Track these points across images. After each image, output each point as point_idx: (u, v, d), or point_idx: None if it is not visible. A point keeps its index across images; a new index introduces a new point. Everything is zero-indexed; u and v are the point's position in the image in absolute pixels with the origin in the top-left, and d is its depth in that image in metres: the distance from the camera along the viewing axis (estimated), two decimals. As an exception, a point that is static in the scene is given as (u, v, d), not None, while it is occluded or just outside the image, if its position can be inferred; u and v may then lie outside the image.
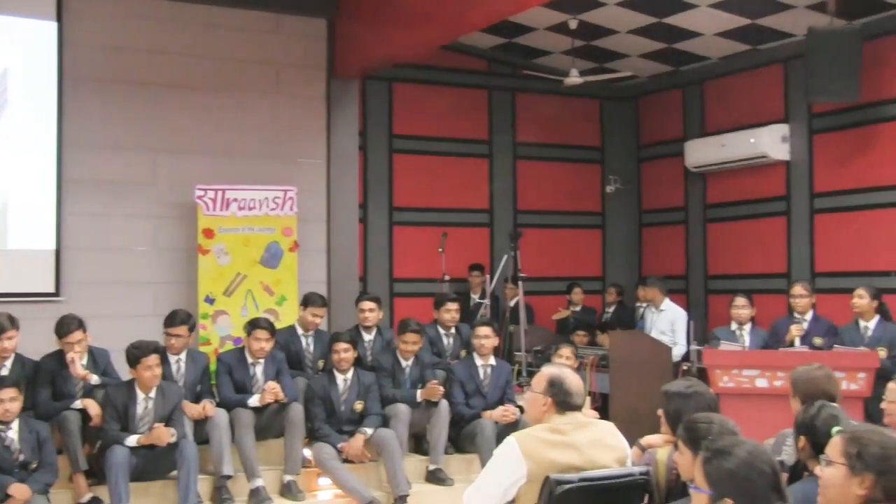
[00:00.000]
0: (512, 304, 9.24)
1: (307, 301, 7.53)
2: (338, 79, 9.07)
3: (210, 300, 8.12)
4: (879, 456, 2.72)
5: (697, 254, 11.26)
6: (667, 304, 9.01)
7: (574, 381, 4.04)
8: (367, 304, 7.71)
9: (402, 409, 6.99)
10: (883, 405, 4.87)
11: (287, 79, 8.94)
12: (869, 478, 2.71)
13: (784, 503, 2.68)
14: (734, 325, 8.10)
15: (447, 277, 10.03)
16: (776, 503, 2.65)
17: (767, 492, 2.67)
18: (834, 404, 3.97)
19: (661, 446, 4.39)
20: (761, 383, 7.22)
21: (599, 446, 3.95)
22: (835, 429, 3.59)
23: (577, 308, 10.84)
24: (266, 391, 6.65)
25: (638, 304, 10.56)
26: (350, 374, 6.98)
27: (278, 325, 7.78)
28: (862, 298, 7.55)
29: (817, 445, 3.70)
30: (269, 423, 6.77)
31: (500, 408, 7.23)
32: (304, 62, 9.02)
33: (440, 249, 10.04)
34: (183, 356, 6.72)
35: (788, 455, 4.28)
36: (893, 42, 9.03)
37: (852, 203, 9.43)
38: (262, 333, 6.79)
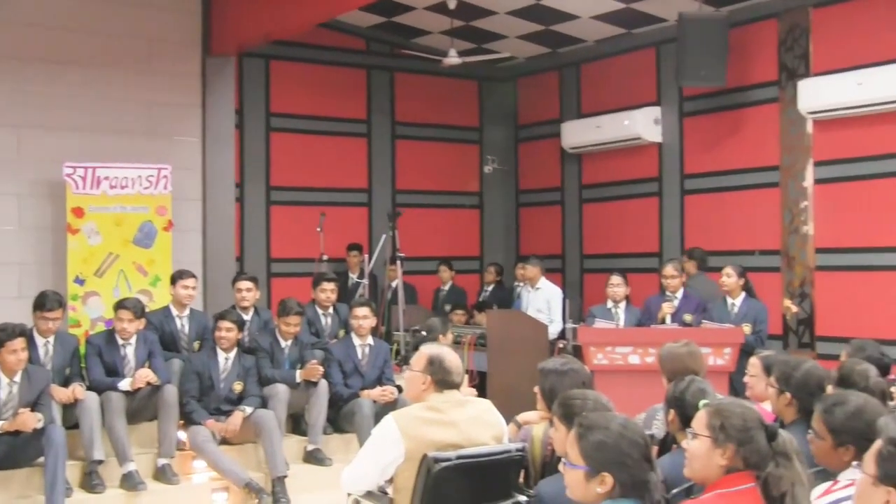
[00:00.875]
0: (393, 284, 9.23)
1: (176, 276, 7.35)
2: (213, 55, 8.86)
3: (80, 281, 7.86)
4: (740, 427, 2.83)
5: (573, 233, 11.45)
6: (543, 282, 9.16)
7: (453, 359, 4.06)
8: (245, 284, 7.59)
9: (280, 390, 6.91)
10: (746, 379, 5.06)
11: (160, 54, 8.67)
12: (730, 448, 2.82)
13: (654, 473, 2.75)
14: (610, 304, 8.28)
15: (325, 257, 9.95)
16: (648, 473, 2.72)
17: (640, 463, 2.74)
18: (702, 379, 4.10)
19: (537, 423, 4.45)
20: (634, 360, 7.39)
21: (477, 424, 3.98)
22: (702, 402, 3.71)
23: (446, 287, 10.91)
24: (137, 378, 6.48)
25: (515, 284, 10.70)
26: (232, 354, 6.87)
27: (153, 306, 7.61)
28: (730, 277, 7.82)
29: (685, 418, 3.82)
30: (142, 406, 6.60)
31: (379, 387, 7.24)
32: (178, 37, 8.77)
33: (318, 229, 9.94)
34: (51, 339, 6.49)
35: (658, 429, 4.40)
36: (757, 29, 9.34)
37: (720, 184, 9.73)
38: (125, 314, 6.59)
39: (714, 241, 9.71)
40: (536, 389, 4.31)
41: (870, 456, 1.94)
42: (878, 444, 1.94)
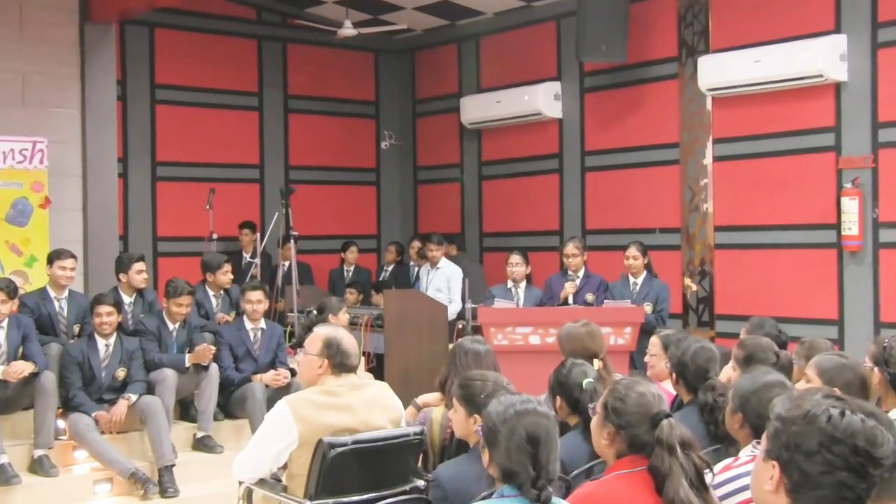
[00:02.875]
0: (287, 264, 9.14)
1: (53, 256, 7.08)
2: (92, 23, 8.59)
3: (-53, 261, 7.56)
4: (620, 411, 2.92)
5: (473, 211, 11.52)
6: (443, 261, 9.20)
7: (349, 341, 4.05)
8: (140, 266, 7.39)
9: (168, 375, 6.77)
10: (647, 358, 5.17)
11: (33, 20, 8.37)
12: (610, 429, 2.92)
13: (539, 474, 2.76)
14: (510, 283, 8.35)
15: (215, 236, 9.78)
16: (528, 465, 2.73)
17: (520, 452, 2.76)
18: (582, 361, 4.18)
19: (437, 405, 4.49)
20: (534, 340, 7.47)
21: (374, 407, 3.98)
22: (585, 381, 3.81)
23: (351, 268, 10.87)
24: (10, 372, 6.23)
25: (412, 263, 10.71)
26: (112, 340, 6.67)
27: (29, 288, 7.38)
28: (637, 259, 7.97)
29: (572, 402, 3.91)
30: (17, 395, 6.36)
31: (272, 371, 7.18)
32: (53, 3, 8.48)
33: (207, 206, 9.77)
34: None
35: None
36: (658, 4, 9.47)
37: (620, 161, 9.88)
38: (-6, 295, 6.28)
39: (615, 218, 9.87)
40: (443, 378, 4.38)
41: (764, 434, 2.03)
42: (769, 422, 2.03)
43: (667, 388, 4.54)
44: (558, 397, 3.99)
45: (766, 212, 8.64)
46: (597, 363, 4.42)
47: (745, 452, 3.26)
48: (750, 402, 3.35)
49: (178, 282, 7.08)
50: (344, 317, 7.40)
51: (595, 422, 3.02)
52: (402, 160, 12.30)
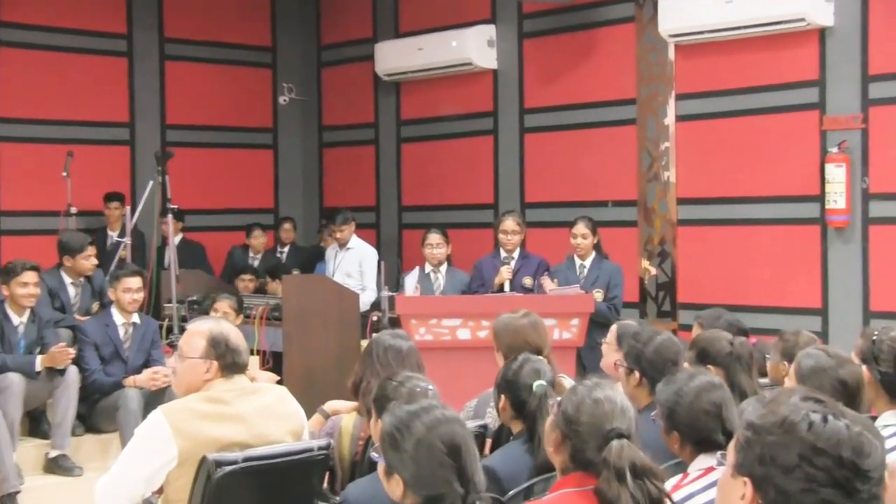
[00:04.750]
0: (173, 242, 9.02)
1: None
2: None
3: None
4: (567, 419, 2.95)
5: (390, 180, 11.50)
6: (355, 241, 9.16)
7: (237, 335, 4.01)
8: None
9: (13, 381, 6.63)
10: (604, 347, 5.20)
11: None
12: (556, 436, 2.96)
13: (467, 489, 2.73)
14: (428, 268, 8.36)
15: (74, 210, 9.61)
16: (447, 486, 2.71)
17: (436, 472, 2.73)
18: (539, 357, 4.20)
19: (349, 413, 4.47)
20: (463, 335, 7.49)
21: (269, 417, 3.94)
22: (537, 383, 3.82)
23: (258, 256, 10.79)
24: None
25: (321, 244, 10.66)
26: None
27: None
28: (586, 238, 8.02)
29: (519, 404, 3.92)
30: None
31: (148, 370, 7.09)
32: None
33: (64, 174, 9.60)
34: None
35: (493, 418, 4.48)
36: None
37: (566, 121, 9.94)
38: None
39: (559, 189, 9.93)
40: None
41: (731, 444, 2.03)
42: (738, 431, 2.04)
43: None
44: (503, 396, 4.01)
45: (738, 181, 8.75)
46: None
47: (695, 467, 3.31)
48: (678, 415, 3.42)
49: (17, 263, 6.96)
50: (224, 304, 7.33)
51: (548, 422, 3.07)
52: (304, 118, 12.23)
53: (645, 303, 9.26)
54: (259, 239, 10.89)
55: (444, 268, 8.36)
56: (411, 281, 8.30)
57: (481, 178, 10.62)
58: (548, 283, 7.88)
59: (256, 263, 10.67)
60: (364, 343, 6.21)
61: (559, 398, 3.09)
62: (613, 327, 5.11)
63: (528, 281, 8.14)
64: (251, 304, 8.05)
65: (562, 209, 9.55)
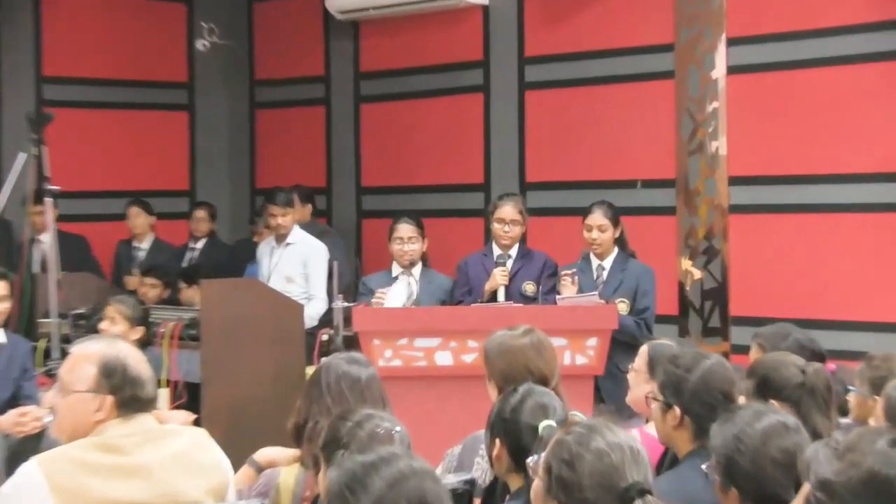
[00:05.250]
0: (42, 238, 8.97)
1: None
2: None
3: None
4: (567, 481, 2.94)
5: (345, 152, 11.52)
6: (297, 233, 9.12)
7: (139, 362, 3.98)
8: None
9: None
10: (630, 375, 5.21)
11: None
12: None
13: None
14: (396, 270, 8.33)
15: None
16: None
17: None
18: (545, 389, 4.20)
19: (289, 464, 4.47)
20: (443, 359, 7.47)
21: (182, 470, 3.93)
22: (543, 424, 3.81)
23: (144, 243, 10.76)
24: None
25: (254, 238, 10.63)
26: None
27: None
28: (604, 231, 8.00)
29: (519, 452, 3.90)
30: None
31: (15, 411, 7.06)
32: None
33: None
34: None
35: (484, 470, 4.48)
36: None
37: (579, 74, 9.99)
38: None
39: (570, 165, 9.97)
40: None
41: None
42: (805, 488, 2.02)
43: (652, 433, 4.58)
44: (498, 441, 4.00)
45: (812, 155, 8.79)
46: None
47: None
48: (739, 466, 3.42)
49: None
50: (114, 312, 7.32)
51: (536, 490, 3.06)
52: (230, 70, 12.28)
53: (686, 317, 9.30)
54: (141, 218, 10.85)
55: (417, 269, 8.34)
56: (376, 283, 8.27)
57: (468, 149, 10.64)
58: (567, 287, 7.93)
59: (140, 253, 10.77)
60: (310, 370, 6.20)
61: (542, 454, 3.07)
62: (644, 349, 5.12)
63: (529, 287, 8.15)
64: (158, 319, 8.02)
65: (574, 192, 9.58)
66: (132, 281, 10.16)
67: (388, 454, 2.84)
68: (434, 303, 8.21)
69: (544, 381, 4.61)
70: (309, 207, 10.55)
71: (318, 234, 9.69)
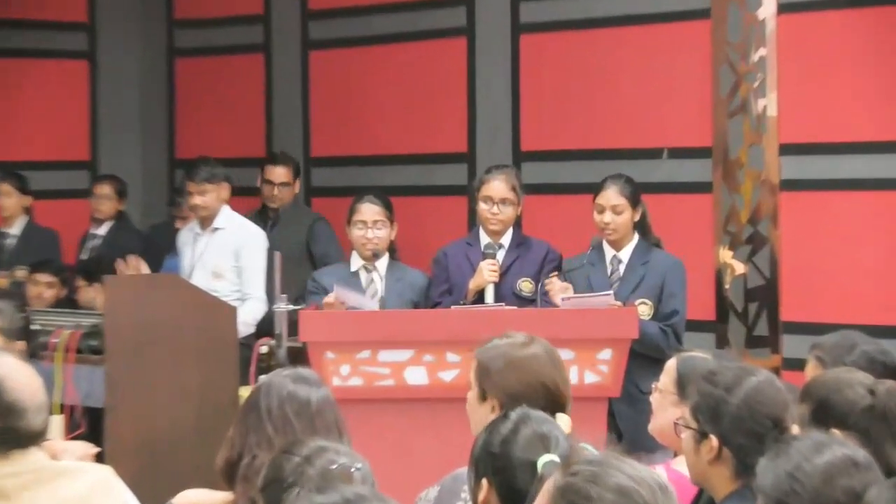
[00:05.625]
0: None
1: None
2: None
3: None
4: None
5: (290, 112, 11.56)
6: (228, 216, 9.09)
7: (19, 381, 3.97)
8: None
9: None
10: (652, 397, 5.20)
11: None
12: None
13: None
14: (357, 261, 8.33)
15: None
16: None
17: None
18: (541, 414, 4.16)
19: (214, 511, 4.47)
20: (416, 377, 7.47)
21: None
22: (543, 459, 3.79)
23: (13, 229, 10.72)
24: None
25: (175, 224, 10.61)
26: None
27: None
28: (621, 213, 7.99)
29: (510, 493, 3.89)
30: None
31: None
32: None
33: None
34: None
35: (469, 516, 4.48)
36: None
37: (588, 13, 10.01)
38: None
39: (576, 131, 9.98)
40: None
41: None
42: None
43: (682, 471, 4.59)
44: (485, 481, 3.98)
45: (885, 116, 8.80)
46: (564, 422, 4.42)
47: None
48: None
49: None
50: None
51: None
52: (141, 9, 12.25)
53: (726, 322, 9.32)
54: (12, 199, 10.80)
55: (383, 262, 8.36)
56: (330, 278, 8.26)
57: (446, 109, 10.68)
58: (557, 288, 7.92)
59: (10, 243, 10.74)
60: (245, 392, 6.18)
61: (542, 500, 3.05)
62: (672, 363, 5.11)
63: (525, 285, 8.15)
64: (50, 325, 7.99)
65: (582, 164, 9.62)
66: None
67: (354, 496, 2.87)
68: (404, 305, 8.23)
69: (562, 402, 4.61)
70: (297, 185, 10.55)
71: (312, 222, 9.74)
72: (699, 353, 5.37)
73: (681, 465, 4.58)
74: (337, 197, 10.53)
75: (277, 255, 8.34)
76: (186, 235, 9.44)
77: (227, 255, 9.04)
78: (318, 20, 11.31)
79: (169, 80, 12.24)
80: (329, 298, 7.99)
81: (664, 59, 9.58)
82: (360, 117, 11.06)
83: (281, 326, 8.04)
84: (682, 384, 4.83)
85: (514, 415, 4.05)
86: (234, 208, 9.31)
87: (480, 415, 4.75)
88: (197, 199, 9.12)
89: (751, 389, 4.23)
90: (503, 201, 8.24)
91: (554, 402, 4.50)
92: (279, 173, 10.18)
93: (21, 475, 3.89)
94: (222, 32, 11.86)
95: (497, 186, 8.29)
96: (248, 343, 8.21)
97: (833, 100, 8.93)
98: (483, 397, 4.80)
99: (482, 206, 8.31)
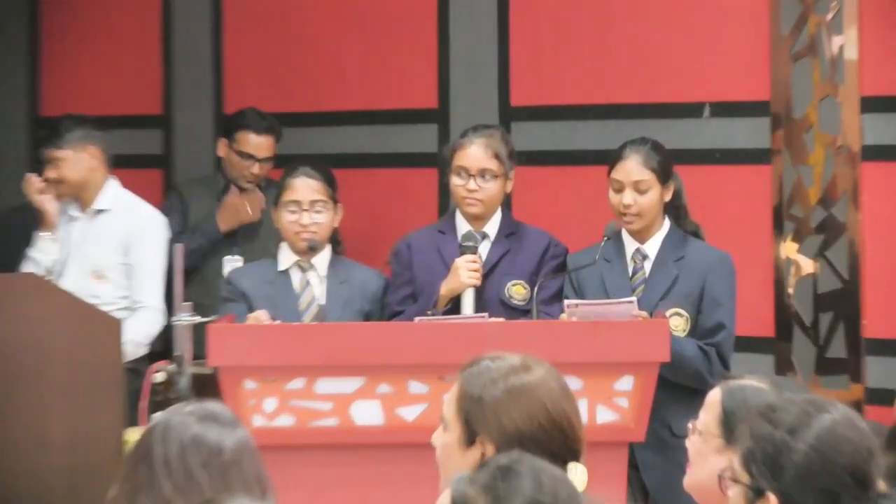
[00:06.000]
0: None
1: None
2: None
3: None
4: None
5: (197, 58, 11.57)
6: (114, 195, 9.09)
7: None
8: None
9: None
10: (688, 442, 5.22)
11: None
12: None
13: None
14: (288, 256, 8.31)
15: None
16: None
17: None
18: (546, 466, 4.16)
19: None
20: (367, 415, 7.48)
21: None
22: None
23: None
24: None
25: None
26: None
27: None
28: (645, 191, 7.97)
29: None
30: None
31: None
32: None
33: None
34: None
35: None
36: None
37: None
38: None
39: (583, 79, 10.04)
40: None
41: None
42: None
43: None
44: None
45: None
46: (579, 473, 4.43)
47: None
48: None
49: None
50: None
51: None
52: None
53: (789, 339, 9.33)
54: None
55: (323, 258, 8.35)
56: (247, 280, 8.26)
57: (410, 53, 10.74)
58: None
59: None
60: (134, 434, 6.19)
61: None
62: (715, 395, 5.12)
63: (517, 290, 8.15)
64: None
65: (592, 125, 9.63)
66: None
67: None
68: (352, 317, 8.22)
69: (576, 447, 4.61)
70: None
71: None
72: (752, 381, 5.38)
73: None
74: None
75: (179, 249, 8.32)
76: (63, 221, 9.36)
77: (112, 249, 8.99)
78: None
79: (32, 15, 12.26)
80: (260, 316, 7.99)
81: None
82: (290, 63, 11.08)
83: (182, 346, 8.03)
84: (729, 424, 4.85)
85: (504, 460, 4.02)
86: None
87: (464, 466, 4.71)
88: (51, 172, 9.06)
89: (823, 431, 4.23)
90: (483, 174, 8.20)
91: (568, 446, 4.49)
92: (261, 144, 10.06)
93: None
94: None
95: (475, 154, 8.25)
96: (138, 369, 8.22)
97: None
98: (470, 440, 4.74)
99: (456, 181, 8.27)
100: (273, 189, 9.34)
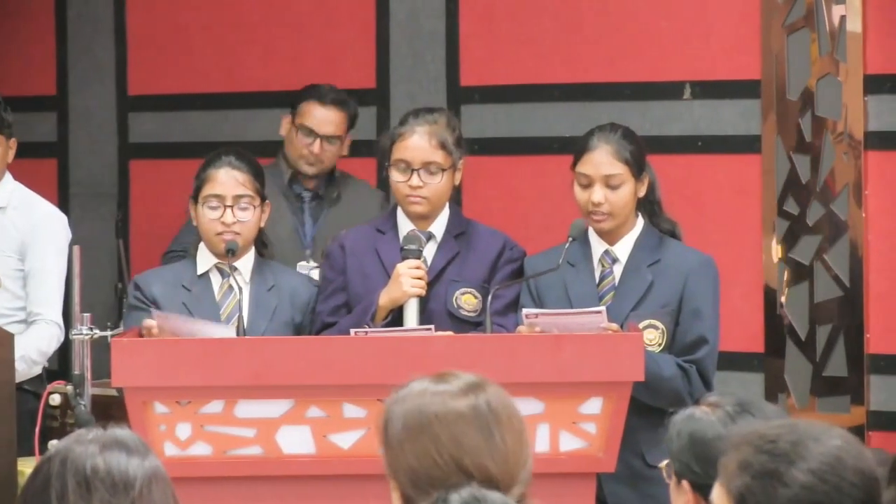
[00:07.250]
0: None
1: None
2: None
3: None
4: None
5: (95, 29, 11.61)
6: (10, 189, 9.11)
7: None
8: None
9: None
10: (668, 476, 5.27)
11: None
12: None
13: None
14: (206, 258, 8.34)
15: None
16: None
17: None
18: (495, 495, 4.21)
19: None
20: (295, 442, 7.51)
21: None
22: None
23: None
24: None
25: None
26: None
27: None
28: (617, 186, 7.98)
29: None
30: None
31: None
32: None
33: None
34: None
35: None
36: None
37: None
38: None
39: (546, 54, 10.06)
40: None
41: None
42: None
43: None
44: None
45: None
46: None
47: None
48: None
49: None
50: None
51: None
52: None
53: (781, 355, 9.37)
54: None
55: (247, 261, 8.37)
56: (159, 286, 8.28)
57: (344, 24, 10.79)
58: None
59: None
60: (28, 465, 6.22)
61: None
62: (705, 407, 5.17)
63: (467, 299, 8.18)
64: None
65: (556, 107, 9.67)
66: None
67: None
68: (279, 329, 8.25)
69: (495, 486, 4.64)
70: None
71: (379, 204, 9.73)
72: (733, 399, 5.42)
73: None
74: (169, 158, 10.60)
75: (76, 251, 8.33)
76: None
77: (6, 252, 9.01)
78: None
79: None
80: (149, 323, 7.92)
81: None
82: (203, 37, 11.12)
83: (83, 363, 8.05)
84: (706, 455, 4.90)
85: (450, 499, 4.05)
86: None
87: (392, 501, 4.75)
88: None
89: (821, 463, 4.28)
90: (428, 167, 8.21)
91: (489, 484, 4.50)
92: (325, 118, 9.95)
93: None
94: None
95: (417, 144, 8.24)
96: (33, 390, 8.24)
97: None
98: (391, 476, 4.77)
99: (396, 177, 8.25)
100: (368, 193, 9.79)
